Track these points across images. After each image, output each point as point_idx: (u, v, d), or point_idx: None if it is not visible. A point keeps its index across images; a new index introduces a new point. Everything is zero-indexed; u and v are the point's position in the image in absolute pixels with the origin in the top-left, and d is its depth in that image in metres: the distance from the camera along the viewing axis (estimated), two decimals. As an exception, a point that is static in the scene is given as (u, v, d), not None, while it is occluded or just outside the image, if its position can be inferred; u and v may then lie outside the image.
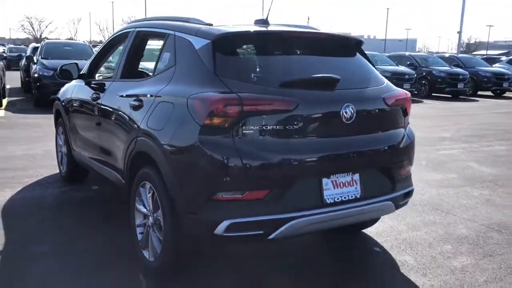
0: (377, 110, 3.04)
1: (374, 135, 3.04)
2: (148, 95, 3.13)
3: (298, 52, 3.25)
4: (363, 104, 2.94)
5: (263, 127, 2.61)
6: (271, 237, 2.62)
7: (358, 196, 2.88)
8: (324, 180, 2.77)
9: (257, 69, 2.91)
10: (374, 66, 3.36)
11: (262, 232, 2.63)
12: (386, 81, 3.28)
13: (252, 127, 2.60)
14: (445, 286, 2.93)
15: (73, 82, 4.65)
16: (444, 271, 3.12)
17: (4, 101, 11.45)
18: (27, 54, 14.16)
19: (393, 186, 3.08)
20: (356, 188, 2.89)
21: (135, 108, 3.20)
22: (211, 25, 3.12)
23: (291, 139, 2.68)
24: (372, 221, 3.73)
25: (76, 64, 4.35)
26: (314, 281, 3.05)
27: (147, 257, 3.04)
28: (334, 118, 2.79)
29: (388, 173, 3.08)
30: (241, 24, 3.36)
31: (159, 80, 3.12)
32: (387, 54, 19.83)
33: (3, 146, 6.55)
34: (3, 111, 10.20)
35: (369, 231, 3.77)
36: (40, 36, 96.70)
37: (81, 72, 4.36)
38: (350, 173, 2.87)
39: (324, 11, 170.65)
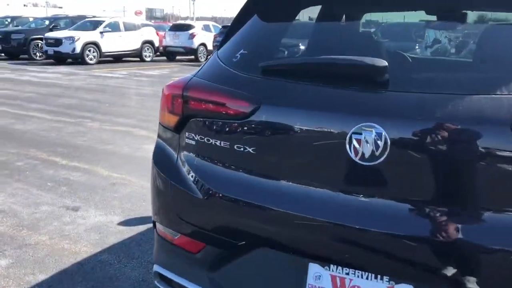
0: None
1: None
2: None
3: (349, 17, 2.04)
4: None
5: (208, 141, 1.53)
6: None
7: None
8: (312, 267, 1.37)
9: (252, 42, 1.67)
10: None
11: None
12: None
13: (195, 138, 1.56)
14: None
15: None
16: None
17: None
18: None
19: None
20: None
21: None
22: None
23: (247, 171, 1.48)
24: None
25: None
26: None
27: None
28: (342, 151, 1.29)
29: None
30: None
31: None
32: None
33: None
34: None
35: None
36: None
37: None
38: (387, 276, 1.30)
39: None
